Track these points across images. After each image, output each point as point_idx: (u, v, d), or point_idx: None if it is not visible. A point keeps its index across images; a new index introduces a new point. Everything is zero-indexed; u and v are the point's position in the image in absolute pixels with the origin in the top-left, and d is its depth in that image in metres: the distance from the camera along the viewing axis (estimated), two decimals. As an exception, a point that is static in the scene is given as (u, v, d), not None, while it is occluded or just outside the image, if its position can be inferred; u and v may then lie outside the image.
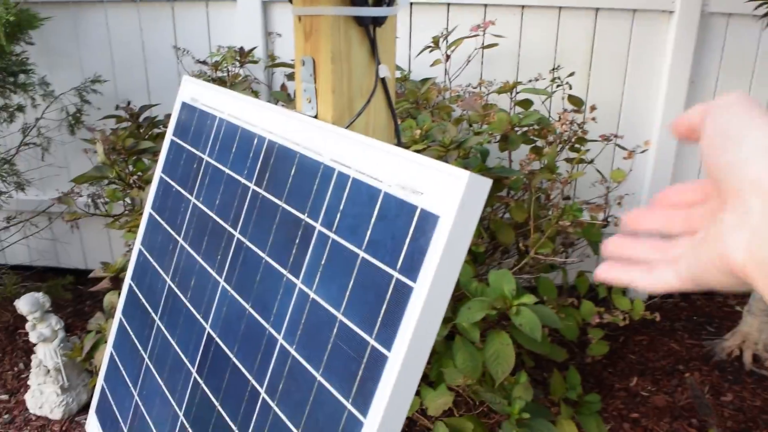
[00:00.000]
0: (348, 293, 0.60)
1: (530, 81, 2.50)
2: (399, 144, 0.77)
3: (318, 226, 0.66)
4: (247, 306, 0.75)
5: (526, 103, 2.41)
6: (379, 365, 0.55)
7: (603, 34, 2.63)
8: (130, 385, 1.01)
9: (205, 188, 0.91)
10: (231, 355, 0.76)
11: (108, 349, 1.14)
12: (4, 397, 2.58)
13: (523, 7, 2.62)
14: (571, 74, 2.52)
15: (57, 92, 2.83)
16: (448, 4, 2.63)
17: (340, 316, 0.60)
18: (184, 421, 0.83)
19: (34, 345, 2.39)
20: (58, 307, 3.06)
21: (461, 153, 1.95)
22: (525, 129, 2.26)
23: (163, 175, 1.07)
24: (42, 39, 2.83)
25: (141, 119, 2.41)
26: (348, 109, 0.73)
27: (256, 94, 2.56)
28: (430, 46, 2.47)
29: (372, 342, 0.56)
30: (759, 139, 0.34)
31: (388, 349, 0.54)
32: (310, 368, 0.63)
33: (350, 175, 0.63)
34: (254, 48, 2.56)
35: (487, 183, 0.52)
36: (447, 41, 2.46)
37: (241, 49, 2.45)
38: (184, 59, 2.76)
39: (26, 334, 2.49)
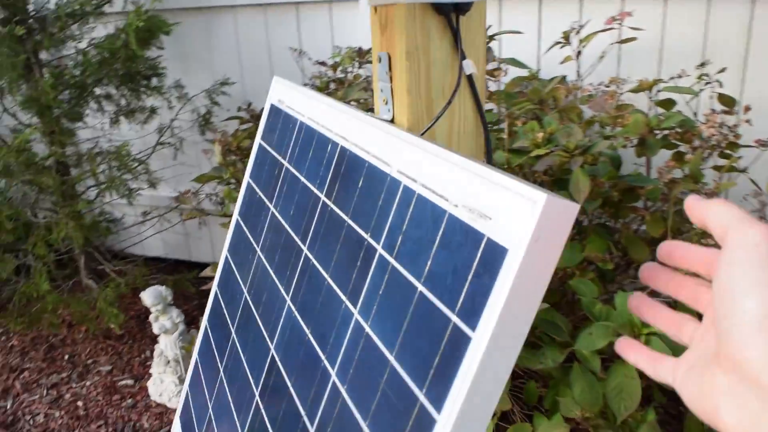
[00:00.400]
0: (402, 333, 0.50)
1: (672, 78, 2.25)
2: (489, 154, 0.66)
3: (379, 249, 0.57)
4: (307, 331, 0.67)
5: (668, 104, 2.17)
6: (427, 429, 0.44)
7: (761, 24, 2.32)
8: (207, 396, 0.97)
9: (283, 197, 0.85)
10: (289, 384, 0.68)
11: (194, 355, 1.12)
12: (130, 382, 2.71)
13: (667, -4, 2.37)
14: (722, 70, 2.24)
15: (190, 94, 2.94)
16: (582, -3, 2.44)
17: (392, 360, 0.51)
18: (245, 450, 0.77)
19: (157, 336, 2.48)
20: (186, 299, 3.19)
21: (588, 159, 1.78)
22: (665, 132, 2.03)
23: (250, 181, 1.02)
24: (177, 44, 2.95)
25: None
26: (426, 112, 0.63)
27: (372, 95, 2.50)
28: (560, 42, 2.29)
29: (421, 398, 0.46)
30: (758, 308, 0.33)
31: (438, 409, 0.44)
32: (358, 417, 0.53)
33: (416, 191, 0.53)
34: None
35: (572, 208, 0.40)
36: (579, 36, 2.27)
37: (360, 48, 2.40)
38: (306, 63, 2.77)
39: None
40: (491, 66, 2.19)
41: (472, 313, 0.43)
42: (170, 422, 2.45)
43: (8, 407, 2.64)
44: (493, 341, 0.41)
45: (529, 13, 2.50)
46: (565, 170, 1.82)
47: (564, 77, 2.30)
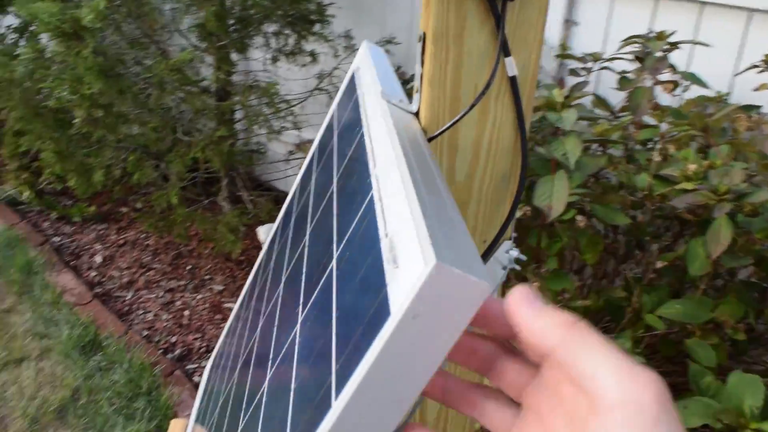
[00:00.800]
0: (306, 365, 0.41)
1: None
2: (524, 169, 0.54)
3: (333, 259, 0.48)
4: (275, 323, 0.60)
5: None
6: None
7: None
8: (232, 335, 0.95)
9: (317, 177, 0.78)
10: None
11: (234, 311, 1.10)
12: (234, 306, 2.83)
13: None
14: None
15: (357, 46, 2.94)
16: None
17: (290, 391, 0.42)
18: (235, 381, 0.72)
19: (264, 272, 2.55)
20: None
21: (746, 208, 1.52)
22: None
23: (317, 148, 0.96)
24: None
25: (408, 86, 2.37)
26: (450, 111, 0.52)
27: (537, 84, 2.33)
28: (757, 65, 1.98)
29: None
30: None
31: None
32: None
33: (374, 205, 0.43)
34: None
35: (479, 288, 0.29)
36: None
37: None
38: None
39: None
40: (665, 77, 1.94)
41: (344, 376, 0.33)
42: (256, 355, 2.53)
43: (127, 298, 2.86)
44: (343, 415, 0.31)
45: (733, 24, 2.18)
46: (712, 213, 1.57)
47: (755, 107, 1.99)
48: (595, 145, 1.83)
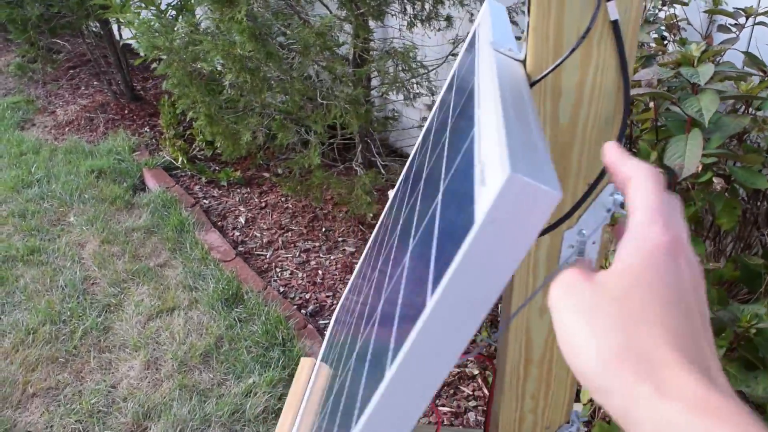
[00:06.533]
0: (402, 289, 0.47)
1: None
2: (626, 113, 0.55)
3: (441, 190, 0.52)
4: (392, 253, 0.66)
5: None
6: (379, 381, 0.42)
7: None
8: (357, 281, 1.03)
9: (431, 133, 0.82)
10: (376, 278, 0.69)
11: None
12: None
13: None
14: None
15: (491, 9, 2.92)
16: None
17: (398, 306, 0.48)
18: (353, 329, 0.80)
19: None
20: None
21: None
22: None
23: (437, 105, 1.00)
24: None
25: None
26: (553, 57, 0.54)
27: (683, 41, 2.21)
28: None
29: (388, 360, 0.43)
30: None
31: (391, 363, 0.41)
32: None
33: (474, 139, 0.47)
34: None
35: (549, 195, 0.32)
36: None
37: (671, -11, 2.12)
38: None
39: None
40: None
41: (437, 279, 0.38)
42: (385, 314, 2.64)
43: (267, 257, 3.08)
44: (435, 313, 0.36)
45: None
46: None
47: None
48: (740, 106, 1.73)
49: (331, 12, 2.82)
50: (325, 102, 2.65)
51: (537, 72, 0.55)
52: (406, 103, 2.99)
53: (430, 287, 0.39)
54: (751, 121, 1.60)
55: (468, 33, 2.95)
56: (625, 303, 0.34)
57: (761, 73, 1.82)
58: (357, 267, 1.16)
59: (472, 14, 2.94)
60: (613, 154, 0.42)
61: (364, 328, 0.62)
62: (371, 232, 3.19)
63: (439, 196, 0.53)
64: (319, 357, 1.13)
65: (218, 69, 2.61)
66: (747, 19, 1.90)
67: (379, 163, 3.24)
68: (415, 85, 2.81)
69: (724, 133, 1.53)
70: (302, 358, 1.19)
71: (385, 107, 3.29)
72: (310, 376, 1.12)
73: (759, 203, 1.75)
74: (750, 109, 1.72)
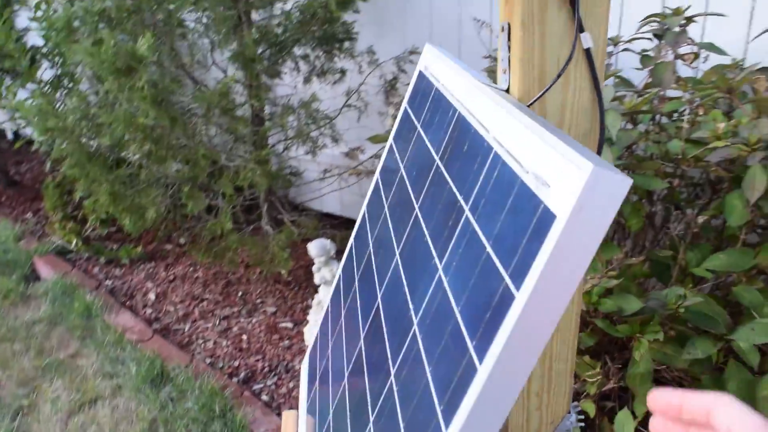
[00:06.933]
0: (468, 290, 0.52)
1: None
2: (602, 133, 0.65)
3: (467, 211, 0.59)
4: (405, 283, 0.71)
5: None
6: (469, 377, 0.47)
7: None
8: (329, 337, 1.05)
9: (410, 159, 0.89)
10: (384, 331, 0.73)
11: (327, 301, 1.21)
12: (289, 325, 2.94)
13: None
14: None
15: (380, 60, 3.07)
16: (805, -21, 2.17)
17: (456, 313, 0.53)
18: (346, 384, 0.83)
19: (318, 286, 2.66)
20: (350, 256, 3.37)
21: (775, 158, 1.61)
22: None
23: (393, 143, 1.07)
24: (373, 11, 3.08)
25: (435, 91, 2.48)
26: (539, 83, 0.63)
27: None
28: (770, 30, 2.07)
29: (470, 350, 0.48)
30: None
31: (480, 361, 0.46)
32: (425, 363, 0.57)
33: (501, 157, 0.54)
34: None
35: (624, 182, 0.40)
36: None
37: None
38: (486, 36, 2.76)
39: (314, 275, 2.79)
40: (685, 50, 2.04)
41: (519, 274, 0.44)
42: (319, 366, 2.64)
43: (186, 330, 2.99)
44: (531, 301, 0.42)
45: (736, -6, 2.28)
46: (746, 167, 1.67)
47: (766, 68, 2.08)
48: (623, 122, 1.93)
49: (226, 74, 2.85)
50: (231, 164, 2.67)
51: (525, 97, 0.64)
52: (307, 158, 3.05)
53: (509, 284, 0.45)
54: (638, 134, 1.80)
55: (359, 84, 3.06)
56: None
57: (634, 93, 2.04)
58: (327, 308, 1.19)
59: (360, 66, 3.07)
60: (675, 396, 0.43)
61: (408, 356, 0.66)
62: (290, 289, 3.19)
63: (466, 215, 0.59)
64: (302, 409, 1.14)
65: (117, 142, 2.56)
66: (615, 46, 2.13)
67: (287, 220, 3.26)
68: (319, 137, 2.88)
69: (620, 145, 1.72)
70: (284, 412, 1.19)
71: (287, 164, 3.34)
72: (296, 428, 1.13)
73: (653, 205, 1.95)
74: (635, 125, 1.92)
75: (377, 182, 1.09)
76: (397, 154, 1.00)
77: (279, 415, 2.37)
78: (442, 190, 0.69)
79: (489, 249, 0.51)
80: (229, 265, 3.07)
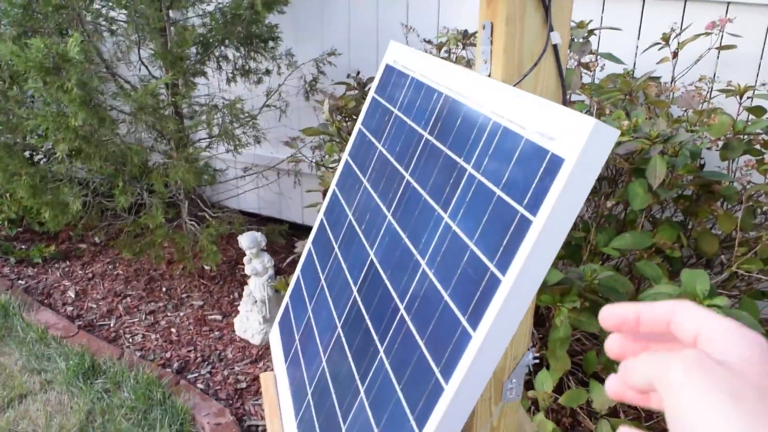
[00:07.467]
0: (482, 226, 0.67)
1: (764, 85, 2.30)
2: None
3: (469, 168, 0.74)
4: (403, 236, 0.85)
5: (759, 111, 2.22)
6: (493, 288, 0.61)
7: None
8: (307, 301, 1.17)
9: (391, 137, 1.03)
10: (384, 277, 0.86)
11: (297, 273, 1.32)
12: (218, 317, 3.00)
13: (773, 6, 2.40)
14: (818, 83, 2.26)
15: (299, 62, 3.18)
16: (685, 0, 2.49)
17: (471, 246, 0.68)
18: (340, 331, 0.96)
19: (248, 277, 2.74)
20: (274, 252, 3.45)
21: (669, 150, 1.87)
22: (750, 137, 2.09)
23: (362, 127, 1.21)
24: (292, 15, 3.19)
25: (366, 88, 2.63)
26: (517, 70, 0.79)
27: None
28: (658, 43, 2.37)
29: (492, 268, 0.63)
30: None
31: (503, 273, 0.61)
32: (441, 289, 0.71)
33: (502, 124, 0.69)
34: (476, 32, 2.65)
35: (613, 133, 0.55)
36: (679, 39, 2.34)
37: (465, 31, 2.55)
38: (412, 38, 2.94)
39: (244, 268, 2.86)
40: (587, 59, 2.29)
41: (534, 205, 0.59)
42: (251, 355, 2.71)
43: (112, 325, 2.97)
44: (549, 222, 0.57)
45: (631, 11, 2.58)
46: (645, 160, 1.92)
47: (657, 78, 2.38)
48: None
49: (150, 73, 2.87)
50: (160, 162, 2.70)
51: (506, 81, 0.79)
52: (226, 157, 3.11)
53: (525, 213, 0.60)
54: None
55: (278, 85, 3.15)
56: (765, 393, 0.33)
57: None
58: (298, 279, 1.30)
59: (279, 67, 3.18)
60: (632, 308, 0.41)
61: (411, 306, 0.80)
62: (215, 284, 3.23)
63: (469, 171, 0.74)
64: (279, 370, 1.25)
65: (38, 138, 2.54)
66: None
67: (209, 216, 3.30)
68: (243, 135, 2.96)
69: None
70: (262, 374, 1.30)
71: (211, 162, 3.37)
72: (276, 387, 1.24)
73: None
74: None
75: (347, 163, 1.22)
76: (370, 136, 1.14)
77: (218, 399, 2.43)
78: (437, 158, 0.83)
79: (500, 193, 0.66)
80: (155, 260, 3.08)
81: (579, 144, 0.55)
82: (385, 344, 0.80)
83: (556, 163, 0.58)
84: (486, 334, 0.60)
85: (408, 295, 0.78)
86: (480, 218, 0.68)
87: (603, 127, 0.55)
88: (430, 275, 0.74)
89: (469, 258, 0.67)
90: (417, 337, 0.73)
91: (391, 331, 0.79)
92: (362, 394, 0.81)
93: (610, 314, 0.42)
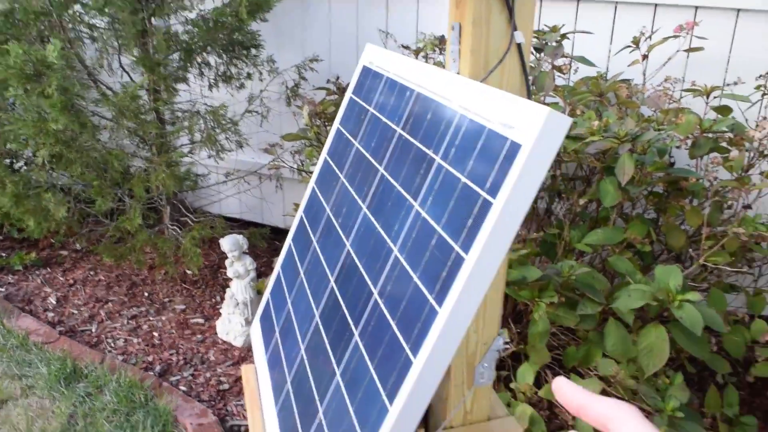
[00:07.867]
0: (448, 211, 0.71)
1: (728, 85, 2.37)
2: (528, 104, 0.87)
3: (437, 159, 0.78)
4: (377, 226, 0.89)
5: (725, 110, 2.29)
6: (458, 266, 0.66)
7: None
8: (287, 295, 1.21)
9: (366, 134, 1.07)
10: (359, 266, 0.91)
11: (276, 269, 1.36)
12: (201, 320, 3.02)
13: (738, 10, 2.48)
14: (781, 83, 2.34)
15: (281, 68, 3.23)
16: (655, 5, 2.57)
17: (439, 230, 0.72)
18: (318, 320, 1.00)
19: (230, 280, 2.77)
20: (255, 256, 3.48)
21: (638, 148, 1.93)
22: (717, 135, 2.16)
23: (340, 127, 1.25)
24: (274, 22, 3.23)
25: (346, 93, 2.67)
26: (484, 68, 0.83)
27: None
28: (630, 46, 2.44)
29: (456, 248, 0.67)
30: None
31: (466, 252, 0.65)
32: (410, 271, 0.75)
33: (467, 117, 0.74)
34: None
35: (566, 120, 0.60)
36: (649, 41, 2.41)
37: (442, 36, 2.61)
38: (390, 44, 2.99)
39: (225, 271, 2.89)
40: (560, 62, 2.36)
41: (494, 189, 0.64)
42: (234, 357, 2.73)
43: (93, 331, 2.98)
44: (507, 204, 0.62)
45: (604, 15, 2.65)
46: (615, 158, 1.99)
47: (628, 80, 2.45)
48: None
49: (132, 80, 2.90)
50: (142, 167, 2.72)
51: (473, 77, 0.84)
52: (207, 162, 3.14)
53: (486, 196, 0.65)
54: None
55: (260, 90, 3.19)
56: None
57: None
58: (278, 275, 1.34)
59: (261, 74, 3.21)
60: (578, 394, 0.43)
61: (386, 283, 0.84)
62: (197, 288, 3.25)
63: (437, 164, 0.79)
64: (260, 363, 1.29)
65: (21, 146, 2.55)
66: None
67: (191, 221, 3.32)
68: (225, 141, 2.99)
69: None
70: (243, 366, 1.33)
71: (193, 168, 3.40)
72: (257, 380, 1.28)
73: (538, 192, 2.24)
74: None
75: (326, 161, 1.26)
76: (347, 135, 1.18)
77: (201, 401, 2.45)
78: (409, 151, 0.88)
79: (465, 179, 0.70)
80: (136, 265, 3.10)
81: (534, 131, 0.60)
82: (360, 327, 0.84)
83: (514, 149, 0.63)
84: (452, 309, 0.65)
85: (381, 280, 0.82)
86: (447, 204, 0.72)
87: (556, 115, 0.59)
88: (402, 260, 0.79)
89: (437, 241, 0.72)
90: (389, 317, 0.77)
91: (365, 315, 0.83)
92: (338, 376, 0.85)
93: (561, 390, 0.44)
